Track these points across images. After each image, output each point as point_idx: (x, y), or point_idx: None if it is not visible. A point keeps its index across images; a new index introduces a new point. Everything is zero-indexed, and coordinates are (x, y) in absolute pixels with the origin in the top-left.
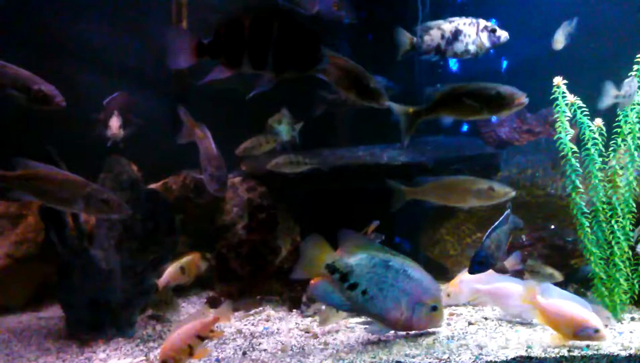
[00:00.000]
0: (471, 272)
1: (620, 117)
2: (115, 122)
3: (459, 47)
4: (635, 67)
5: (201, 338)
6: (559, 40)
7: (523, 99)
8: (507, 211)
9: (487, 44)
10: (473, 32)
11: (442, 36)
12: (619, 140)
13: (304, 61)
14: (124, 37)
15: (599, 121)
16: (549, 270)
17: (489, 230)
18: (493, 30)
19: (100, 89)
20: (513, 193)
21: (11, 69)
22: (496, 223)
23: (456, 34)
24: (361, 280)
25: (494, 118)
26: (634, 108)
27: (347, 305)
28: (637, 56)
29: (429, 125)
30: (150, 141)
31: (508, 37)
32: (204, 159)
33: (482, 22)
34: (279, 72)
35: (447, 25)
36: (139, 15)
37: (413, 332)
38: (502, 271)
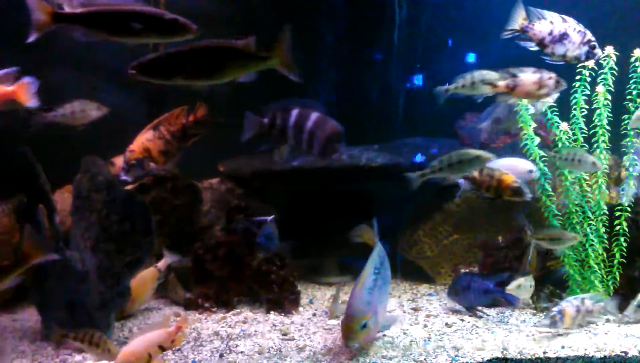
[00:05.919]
0: None
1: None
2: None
3: (559, 49)
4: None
5: (162, 348)
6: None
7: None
8: None
9: (582, 57)
10: (577, 41)
11: (551, 32)
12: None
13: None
14: None
15: (565, 125)
16: None
17: None
18: (592, 47)
19: (74, 88)
20: None
21: None
22: None
23: (563, 36)
24: None
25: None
26: (602, 113)
27: None
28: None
29: (407, 127)
30: (124, 138)
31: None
32: None
33: (588, 34)
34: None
35: (559, 23)
36: None
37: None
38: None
